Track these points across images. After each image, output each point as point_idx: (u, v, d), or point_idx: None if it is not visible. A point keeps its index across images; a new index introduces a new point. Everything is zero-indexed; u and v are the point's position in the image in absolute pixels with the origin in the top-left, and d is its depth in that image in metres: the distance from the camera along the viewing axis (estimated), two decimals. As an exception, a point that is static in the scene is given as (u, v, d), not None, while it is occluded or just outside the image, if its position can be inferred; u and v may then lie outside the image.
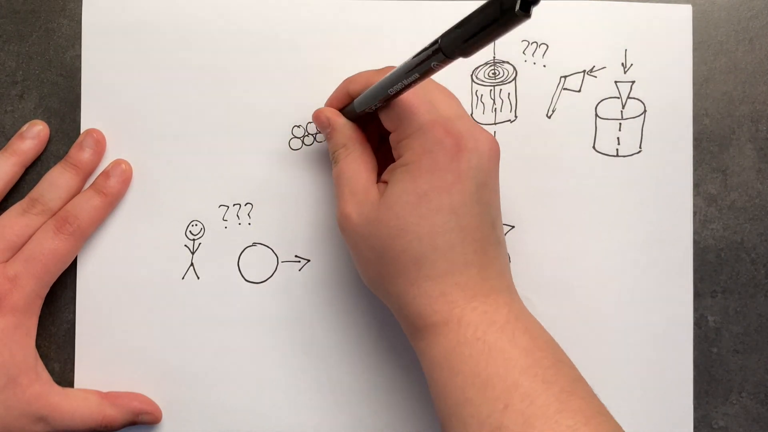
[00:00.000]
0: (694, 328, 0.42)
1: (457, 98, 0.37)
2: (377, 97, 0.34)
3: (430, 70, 0.30)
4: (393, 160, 0.36)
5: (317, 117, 0.38)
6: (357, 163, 0.36)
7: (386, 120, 0.35)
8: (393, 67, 0.35)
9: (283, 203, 0.42)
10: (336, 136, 0.37)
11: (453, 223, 0.33)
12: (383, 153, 0.38)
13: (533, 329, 0.34)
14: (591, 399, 0.32)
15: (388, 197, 0.34)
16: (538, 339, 0.34)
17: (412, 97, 0.34)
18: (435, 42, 0.29)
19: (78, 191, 0.41)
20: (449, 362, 0.33)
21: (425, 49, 0.29)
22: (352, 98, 0.37)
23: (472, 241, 0.34)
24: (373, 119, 0.37)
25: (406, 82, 0.32)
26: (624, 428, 0.41)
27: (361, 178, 0.36)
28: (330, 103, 0.39)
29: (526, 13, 0.26)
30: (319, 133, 0.42)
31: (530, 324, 0.34)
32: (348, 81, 0.38)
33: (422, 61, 0.30)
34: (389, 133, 0.36)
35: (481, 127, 0.35)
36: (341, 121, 0.38)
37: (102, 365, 0.41)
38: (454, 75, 0.42)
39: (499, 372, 0.32)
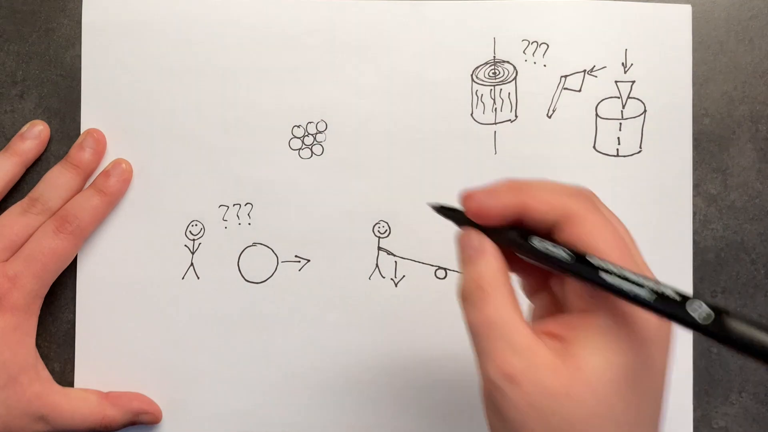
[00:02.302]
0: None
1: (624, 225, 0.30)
2: (582, 270, 0.26)
3: (679, 321, 0.24)
4: None
5: (467, 243, 0.29)
6: (511, 307, 0.27)
7: (588, 296, 0.27)
8: (583, 192, 0.28)
9: (283, 203, 0.42)
10: (482, 266, 0.28)
11: (656, 402, 0.28)
12: None
13: None
14: None
15: (584, 363, 0.26)
16: None
17: (611, 238, 0.27)
18: (723, 312, 0.24)
19: (78, 191, 0.41)
20: None
21: (701, 302, 0.24)
22: (515, 219, 0.28)
23: (657, 425, 0.28)
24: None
25: (633, 296, 0.25)
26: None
27: (522, 329, 0.27)
28: (484, 211, 0.28)
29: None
30: (320, 133, 0.42)
31: None
32: (526, 193, 0.28)
33: (683, 309, 0.24)
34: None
35: None
36: (493, 249, 0.28)
37: (102, 365, 0.41)
38: (455, 74, 0.42)
39: None
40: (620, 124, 0.42)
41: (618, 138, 0.42)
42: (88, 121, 0.42)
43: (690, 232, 0.42)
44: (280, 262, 0.42)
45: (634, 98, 0.42)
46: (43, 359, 0.40)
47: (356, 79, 0.42)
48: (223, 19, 0.42)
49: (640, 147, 0.42)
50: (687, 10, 0.42)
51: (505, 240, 0.28)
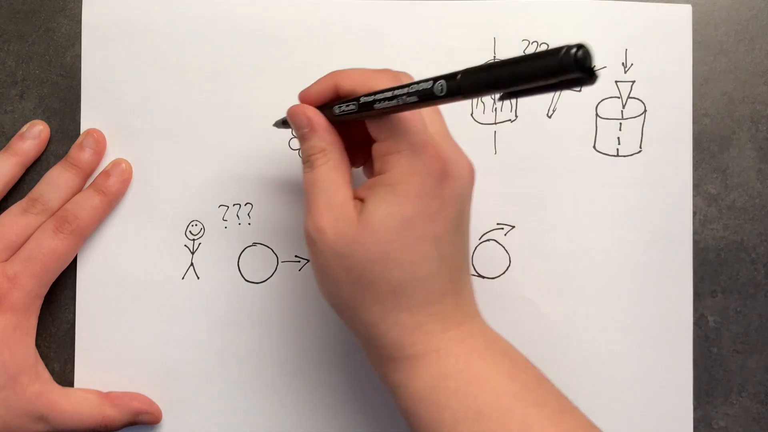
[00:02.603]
0: (694, 328, 0.42)
1: (442, 114, 0.35)
2: (366, 107, 0.32)
3: (435, 100, 0.28)
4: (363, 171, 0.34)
5: (295, 114, 0.34)
6: (336, 172, 0.33)
7: (375, 129, 0.33)
8: (389, 71, 0.34)
9: (283, 203, 0.42)
10: (314, 139, 0.34)
11: (435, 252, 0.32)
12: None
13: (510, 351, 0.33)
14: (577, 413, 0.32)
15: (370, 218, 0.31)
16: (517, 361, 0.33)
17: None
18: (454, 75, 0.27)
19: (78, 191, 0.41)
20: (434, 396, 0.31)
21: (440, 78, 0.28)
22: (338, 96, 0.34)
23: (449, 270, 0.32)
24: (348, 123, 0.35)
25: (402, 102, 0.30)
26: (624, 428, 0.42)
27: (340, 191, 0.33)
28: (309, 97, 0.35)
29: (590, 77, 0.23)
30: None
31: (506, 347, 0.34)
32: (338, 75, 0.34)
33: (430, 89, 0.28)
34: (366, 140, 0.34)
35: (462, 151, 0.34)
36: (323, 123, 0.34)
37: (102, 365, 0.41)
38: (454, 75, 0.42)
39: (489, 402, 0.31)
40: (620, 124, 0.42)
41: (618, 138, 0.42)
42: (88, 121, 0.42)
43: (690, 232, 0.42)
44: (280, 262, 0.42)
45: (634, 98, 0.42)
46: (43, 359, 0.40)
47: (356, 79, 0.42)
48: (223, 20, 0.42)
49: (640, 147, 0.42)
50: (687, 10, 0.42)
51: (326, 111, 0.34)
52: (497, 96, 0.26)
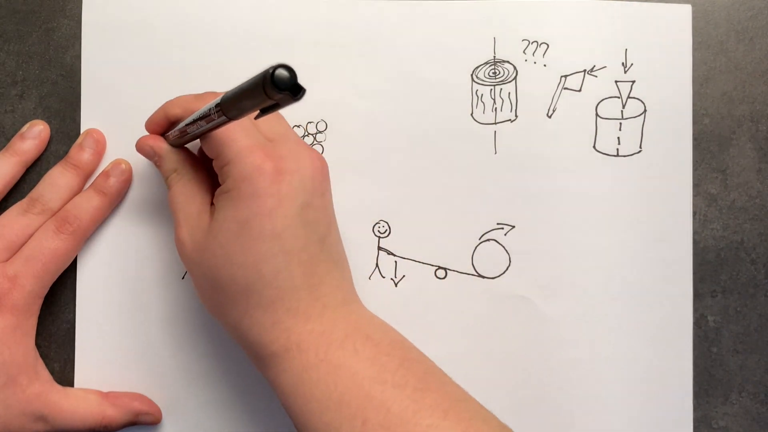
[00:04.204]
0: (694, 328, 0.42)
1: (282, 116, 0.36)
2: (183, 136, 0.35)
3: (216, 125, 0.30)
4: None
5: (141, 147, 0.38)
6: (189, 187, 0.36)
7: (205, 147, 0.35)
8: (214, 93, 0.36)
9: (283, 203, 0.42)
10: (165, 163, 0.37)
11: (277, 248, 0.33)
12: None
13: (375, 334, 0.34)
14: (446, 388, 0.33)
15: (213, 225, 0.34)
16: (381, 343, 0.34)
17: (233, 125, 0.33)
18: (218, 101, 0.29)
19: (78, 191, 0.41)
20: (300, 390, 0.32)
21: (213, 104, 0.30)
22: (170, 123, 0.37)
23: (298, 264, 0.33)
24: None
25: (200, 129, 0.32)
26: (624, 428, 0.42)
27: (195, 203, 0.35)
28: (149, 128, 0.38)
29: (293, 96, 0.26)
30: (320, 133, 0.42)
31: (371, 330, 0.34)
32: (168, 105, 0.37)
33: (207, 115, 0.31)
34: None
35: (307, 146, 0.35)
36: (165, 147, 0.37)
37: (102, 365, 0.41)
38: (455, 74, 0.42)
39: (349, 388, 0.32)
40: (620, 124, 0.42)
41: (618, 138, 0.42)
42: (88, 121, 0.42)
43: (690, 232, 0.42)
44: (280, 262, 0.42)
45: (634, 98, 0.42)
46: (43, 359, 0.40)
47: (356, 79, 0.42)
48: (223, 19, 0.42)
49: (640, 147, 0.42)
50: (687, 10, 0.42)
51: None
52: (255, 114, 0.28)
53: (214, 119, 0.30)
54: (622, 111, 0.42)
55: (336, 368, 0.32)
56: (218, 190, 0.34)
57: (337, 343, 0.33)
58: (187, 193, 0.36)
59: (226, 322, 0.35)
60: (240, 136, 0.33)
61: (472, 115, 0.42)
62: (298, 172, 0.34)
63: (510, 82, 0.42)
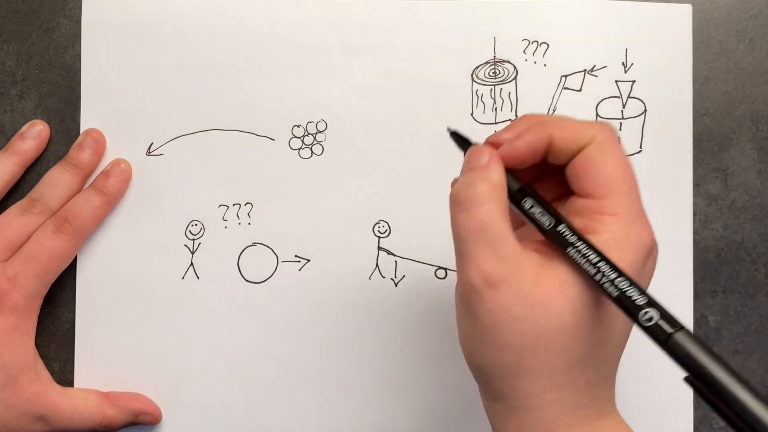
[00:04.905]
0: (694, 328, 0.42)
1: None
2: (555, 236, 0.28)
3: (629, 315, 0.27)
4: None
5: (478, 152, 0.30)
6: (502, 219, 0.28)
7: (591, 185, 0.29)
8: (603, 125, 0.30)
9: (283, 203, 0.42)
10: (483, 175, 0.29)
11: (626, 332, 0.30)
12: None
13: None
14: None
15: (568, 284, 0.28)
16: None
17: (627, 170, 0.29)
18: (673, 328, 0.27)
19: (78, 191, 0.41)
20: None
21: (660, 317, 0.27)
22: (547, 151, 0.30)
23: (620, 353, 0.30)
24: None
25: (602, 279, 0.27)
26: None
27: (510, 241, 0.28)
28: (511, 155, 0.30)
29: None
30: (320, 132, 0.42)
31: None
32: (551, 125, 0.29)
33: (647, 328, 0.27)
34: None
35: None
36: (498, 164, 0.30)
37: (102, 365, 0.41)
38: (455, 74, 0.42)
39: None
40: (620, 123, 0.42)
41: (618, 138, 0.42)
42: (87, 121, 0.42)
43: (690, 232, 0.42)
44: (280, 262, 0.42)
45: (634, 98, 0.42)
46: (43, 359, 0.40)
47: (356, 79, 0.42)
48: (223, 19, 0.42)
49: (640, 147, 0.42)
50: (687, 9, 0.42)
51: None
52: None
53: (631, 313, 0.27)
54: (622, 111, 0.42)
55: None
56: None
57: None
58: (501, 224, 0.28)
59: (520, 388, 0.28)
60: (636, 192, 0.29)
61: (472, 115, 0.42)
62: (655, 260, 0.30)
63: (510, 82, 0.42)
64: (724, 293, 0.42)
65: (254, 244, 0.42)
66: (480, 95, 0.42)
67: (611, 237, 0.28)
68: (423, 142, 0.42)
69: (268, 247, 0.42)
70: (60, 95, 0.42)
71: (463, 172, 0.30)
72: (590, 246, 0.27)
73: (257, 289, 0.42)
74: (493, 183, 0.29)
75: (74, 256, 0.41)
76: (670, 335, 0.26)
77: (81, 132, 0.41)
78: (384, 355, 0.41)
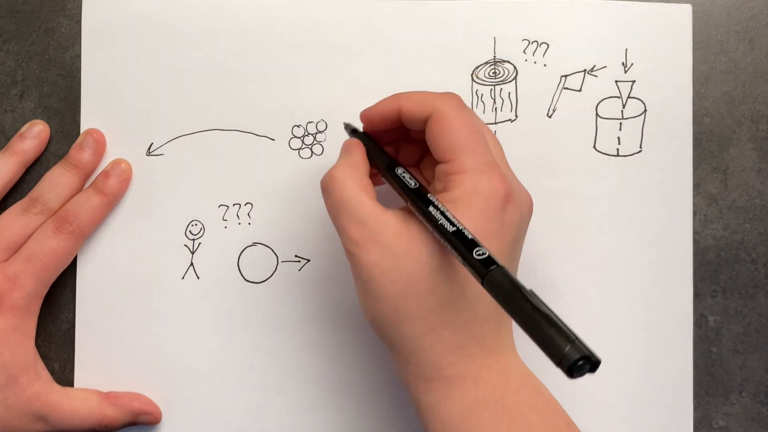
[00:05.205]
0: (694, 328, 0.42)
1: (500, 145, 0.36)
2: (417, 199, 0.32)
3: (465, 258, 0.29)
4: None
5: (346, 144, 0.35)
6: (357, 191, 0.33)
7: (440, 150, 0.33)
8: (453, 95, 0.34)
9: (283, 203, 0.42)
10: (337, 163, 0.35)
11: None
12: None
13: (544, 391, 0.33)
14: None
15: (423, 229, 0.31)
16: (549, 401, 0.32)
17: (470, 132, 0.33)
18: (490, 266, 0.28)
19: (78, 191, 0.41)
20: (467, 423, 0.31)
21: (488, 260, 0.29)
22: (399, 121, 0.35)
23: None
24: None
25: (440, 230, 0.30)
26: (624, 428, 0.42)
27: (368, 206, 0.32)
28: (371, 118, 0.35)
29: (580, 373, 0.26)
30: (320, 132, 0.42)
31: (540, 385, 0.33)
32: (401, 97, 0.35)
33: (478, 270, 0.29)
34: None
35: (521, 183, 0.34)
36: (358, 148, 0.35)
37: (102, 365, 0.41)
38: (455, 74, 0.42)
39: None
40: (620, 123, 0.42)
41: (618, 138, 0.42)
42: (87, 121, 0.42)
43: (690, 232, 0.42)
44: (280, 262, 0.42)
45: (634, 98, 0.42)
46: (43, 359, 0.40)
47: (356, 79, 0.42)
48: (223, 19, 0.42)
49: (640, 147, 0.42)
50: (687, 10, 0.42)
51: (380, 163, 0.35)
52: None
53: (469, 261, 0.29)
54: (622, 111, 0.42)
55: (510, 413, 0.31)
56: (437, 195, 0.33)
57: (513, 387, 0.31)
58: (357, 195, 0.33)
59: (403, 334, 0.32)
60: (485, 150, 0.32)
61: (472, 115, 0.42)
62: (520, 206, 0.33)
63: (510, 82, 0.42)
64: (724, 293, 0.42)
65: (254, 244, 0.42)
66: (480, 95, 0.42)
67: (462, 191, 0.32)
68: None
69: (268, 247, 0.42)
70: (60, 95, 0.42)
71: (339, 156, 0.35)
72: (433, 204, 0.31)
73: (257, 289, 0.42)
74: (349, 164, 0.34)
75: (74, 256, 0.41)
76: (488, 271, 0.28)
77: (81, 132, 0.41)
78: (384, 355, 0.41)
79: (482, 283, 0.28)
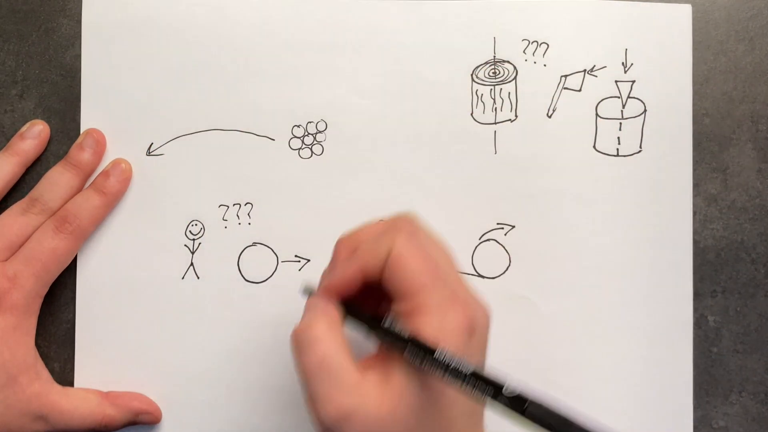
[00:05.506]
0: (694, 328, 0.42)
1: (445, 245, 0.33)
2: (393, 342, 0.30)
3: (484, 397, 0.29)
4: None
5: (311, 299, 0.33)
6: (341, 353, 0.30)
7: (400, 292, 0.31)
8: (407, 219, 0.33)
9: (283, 203, 0.42)
10: (317, 316, 0.32)
11: (465, 409, 0.31)
12: None
13: None
14: None
15: (402, 392, 0.29)
16: None
17: (427, 267, 0.31)
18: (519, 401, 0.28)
19: (78, 191, 0.41)
20: None
21: (474, 379, 0.28)
22: (367, 279, 0.32)
23: (470, 426, 0.31)
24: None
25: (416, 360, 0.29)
26: (624, 428, 0.42)
27: (352, 371, 0.30)
28: (340, 293, 0.32)
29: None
30: (320, 132, 0.42)
31: None
32: (357, 256, 0.32)
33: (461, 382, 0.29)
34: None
35: (475, 292, 0.33)
36: (330, 306, 0.32)
37: (102, 365, 0.41)
38: (455, 74, 0.42)
39: None
40: (620, 123, 0.42)
41: (618, 138, 0.42)
42: (88, 121, 0.42)
43: (690, 232, 0.42)
44: (280, 262, 0.42)
45: (634, 98, 0.42)
46: (43, 359, 0.40)
47: (356, 79, 0.42)
48: (223, 19, 0.42)
49: (640, 147, 0.42)
50: (687, 10, 0.42)
51: (360, 320, 0.32)
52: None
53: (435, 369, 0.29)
54: (622, 111, 0.42)
55: None
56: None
57: None
58: (341, 357, 0.30)
59: None
60: (442, 280, 0.31)
61: (472, 115, 0.42)
62: (482, 328, 0.32)
63: (510, 82, 0.42)
64: (723, 293, 0.42)
65: (254, 244, 0.42)
66: (480, 95, 0.42)
67: (431, 332, 0.30)
68: (423, 142, 0.42)
69: (268, 247, 0.42)
70: (60, 95, 0.42)
71: (302, 317, 0.32)
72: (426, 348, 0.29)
73: (257, 289, 0.42)
74: (328, 322, 0.31)
75: (74, 256, 0.41)
76: (526, 403, 0.27)
77: (81, 132, 0.42)
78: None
79: (522, 416, 0.27)
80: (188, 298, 0.42)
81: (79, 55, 0.42)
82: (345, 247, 0.34)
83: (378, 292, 0.32)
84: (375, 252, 0.31)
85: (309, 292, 0.34)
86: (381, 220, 0.34)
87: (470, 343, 0.30)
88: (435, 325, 0.30)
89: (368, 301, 0.33)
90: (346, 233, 0.34)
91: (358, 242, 0.33)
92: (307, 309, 0.33)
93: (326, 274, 0.34)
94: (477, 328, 0.31)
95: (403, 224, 0.32)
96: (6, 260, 0.39)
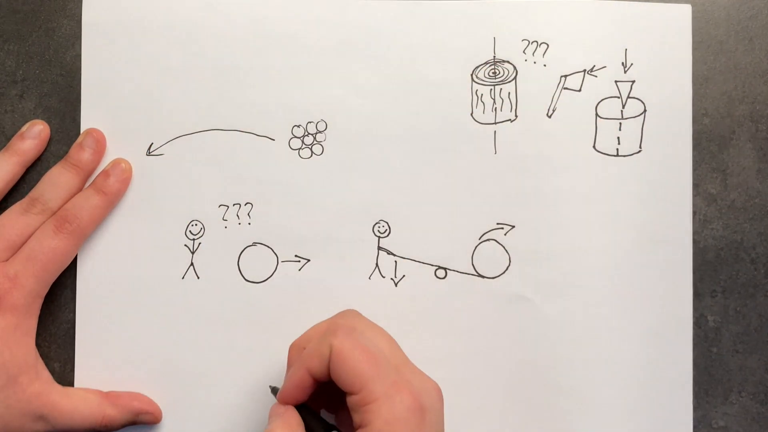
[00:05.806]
0: (694, 328, 0.42)
1: (386, 333, 0.36)
2: None
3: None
4: None
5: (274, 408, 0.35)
6: None
7: (347, 385, 0.33)
8: (348, 315, 0.36)
9: (283, 203, 0.42)
10: (279, 424, 0.34)
11: None
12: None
13: None
14: None
15: None
16: None
17: (368, 358, 0.33)
18: None
19: (78, 191, 0.41)
20: None
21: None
22: (317, 379, 0.34)
23: None
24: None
25: None
26: (624, 428, 0.42)
27: None
28: (295, 398, 0.35)
29: None
30: (320, 132, 0.42)
31: None
32: (303, 360, 0.34)
33: None
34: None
35: (422, 373, 0.35)
36: (291, 414, 0.35)
37: (102, 365, 0.41)
38: (455, 74, 0.42)
39: None
40: (620, 123, 0.42)
41: (618, 138, 0.42)
42: (88, 120, 0.42)
43: (690, 231, 0.42)
44: (280, 262, 0.42)
45: (634, 98, 0.42)
46: (43, 359, 0.40)
47: (356, 79, 0.42)
48: (223, 19, 0.42)
49: (640, 147, 0.42)
50: (687, 10, 0.42)
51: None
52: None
53: None
54: (622, 111, 0.42)
55: None
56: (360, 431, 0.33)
57: None
58: None
59: None
60: (384, 370, 0.33)
61: (472, 115, 0.42)
62: (433, 406, 0.33)
63: (510, 82, 0.42)
64: (723, 293, 0.42)
65: (254, 244, 0.42)
66: (480, 95, 0.42)
67: (382, 422, 0.32)
68: (423, 142, 0.42)
69: (268, 247, 0.42)
70: (60, 95, 0.42)
71: (267, 424, 0.35)
72: None
73: (257, 289, 0.42)
74: (287, 429, 0.34)
75: (74, 256, 0.41)
76: None
77: (81, 132, 0.42)
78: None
79: None
80: (188, 298, 0.42)
81: (79, 55, 0.42)
82: (295, 350, 0.36)
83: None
84: (318, 353, 0.34)
85: (275, 393, 0.37)
86: (326, 320, 0.36)
87: (424, 423, 0.32)
88: (384, 412, 0.32)
89: (337, 391, 0.34)
90: (298, 338, 0.37)
91: (306, 345, 0.35)
92: (270, 417, 0.35)
93: (286, 377, 0.36)
94: (428, 407, 0.33)
95: (341, 321, 0.35)
96: (6, 260, 0.39)
